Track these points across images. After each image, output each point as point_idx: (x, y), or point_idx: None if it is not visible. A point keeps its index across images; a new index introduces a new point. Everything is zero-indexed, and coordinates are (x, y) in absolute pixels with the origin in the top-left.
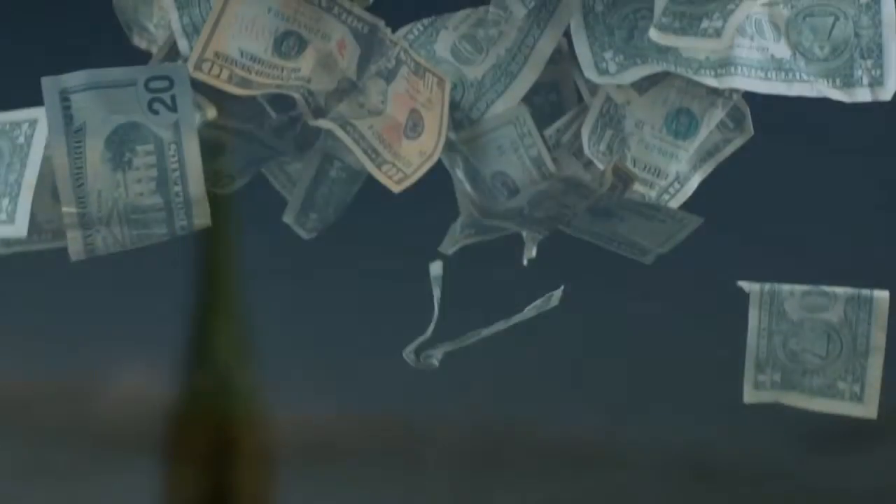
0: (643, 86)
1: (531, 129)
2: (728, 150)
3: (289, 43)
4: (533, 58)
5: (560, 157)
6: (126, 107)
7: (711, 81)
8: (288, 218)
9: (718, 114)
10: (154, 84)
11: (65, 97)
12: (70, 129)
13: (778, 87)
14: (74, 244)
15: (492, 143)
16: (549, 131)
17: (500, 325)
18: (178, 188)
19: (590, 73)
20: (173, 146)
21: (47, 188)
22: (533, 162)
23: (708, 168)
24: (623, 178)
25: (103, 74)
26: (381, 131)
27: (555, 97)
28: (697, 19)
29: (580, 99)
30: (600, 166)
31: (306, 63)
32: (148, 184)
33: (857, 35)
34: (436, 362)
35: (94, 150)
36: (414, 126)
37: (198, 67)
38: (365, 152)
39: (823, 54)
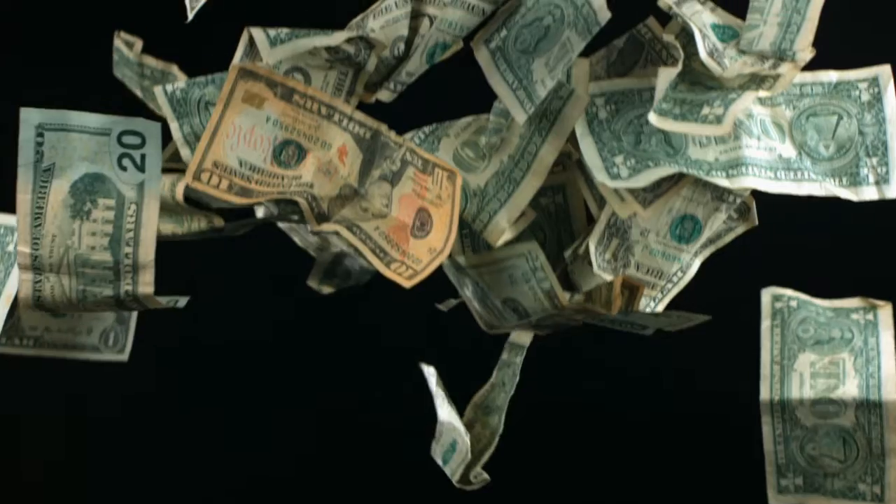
0: (648, 198)
1: (543, 264)
2: (730, 237)
3: (288, 152)
4: (535, 165)
5: (576, 269)
6: (97, 156)
7: (723, 182)
8: (312, 282)
9: (722, 216)
10: (127, 139)
11: (40, 132)
12: (39, 167)
13: (788, 186)
14: (24, 288)
15: (503, 272)
16: (567, 253)
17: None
18: (129, 250)
19: (602, 178)
20: (134, 207)
21: None
22: (545, 294)
23: (708, 252)
24: (631, 287)
25: (81, 118)
26: (388, 232)
27: (561, 199)
28: (698, 106)
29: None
30: (607, 277)
31: (307, 171)
32: (101, 239)
33: (861, 133)
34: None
35: (59, 192)
36: (422, 225)
37: (196, 178)
38: (373, 251)
39: (829, 153)
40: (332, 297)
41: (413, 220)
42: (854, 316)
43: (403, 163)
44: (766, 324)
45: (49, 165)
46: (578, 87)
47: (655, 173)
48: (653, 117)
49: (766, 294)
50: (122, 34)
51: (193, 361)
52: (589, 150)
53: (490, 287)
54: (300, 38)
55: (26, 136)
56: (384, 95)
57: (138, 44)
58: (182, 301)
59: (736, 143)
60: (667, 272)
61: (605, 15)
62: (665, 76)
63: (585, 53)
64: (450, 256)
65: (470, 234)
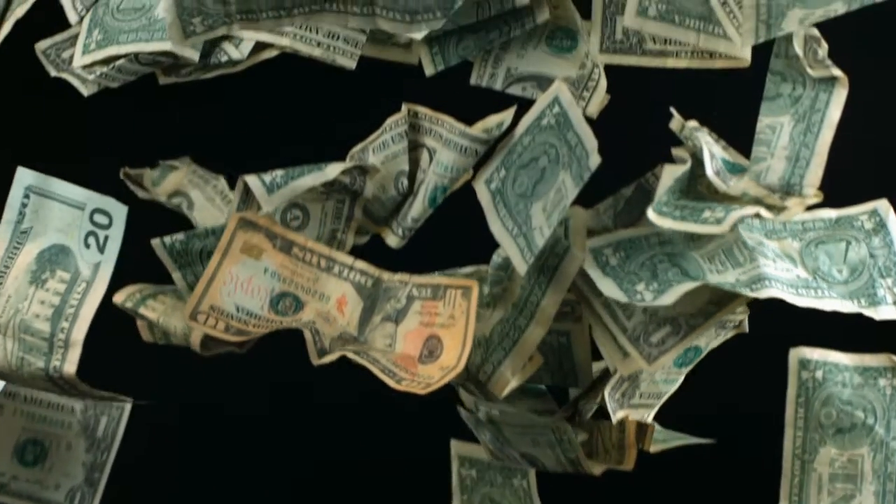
0: (653, 354)
1: (571, 438)
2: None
3: (285, 303)
4: (539, 315)
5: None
6: (68, 228)
7: (748, 293)
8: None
9: (721, 338)
10: (97, 216)
11: (27, 194)
12: (18, 228)
13: (811, 301)
14: None
15: (526, 435)
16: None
17: None
18: (65, 325)
19: (628, 300)
20: (84, 285)
21: None
22: (569, 461)
23: None
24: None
25: (64, 188)
26: (395, 360)
27: (565, 340)
28: (699, 210)
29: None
30: (615, 417)
31: (306, 317)
32: (47, 309)
33: (872, 256)
34: None
35: (27, 256)
36: (430, 353)
37: (193, 318)
38: (382, 371)
39: (843, 277)
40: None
41: (421, 351)
42: (882, 382)
43: (409, 299)
44: (791, 393)
45: (27, 228)
46: (575, 240)
47: (682, 288)
48: (651, 214)
49: (794, 357)
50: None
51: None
52: (608, 287)
53: (510, 441)
54: (296, 178)
55: (15, 194)
56: (393, 241)
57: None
58: (126, 402)
59: (753, 265)
60: (664, 392)
61: (595, 160)
62: (669, 173)
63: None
64: (468, 410)
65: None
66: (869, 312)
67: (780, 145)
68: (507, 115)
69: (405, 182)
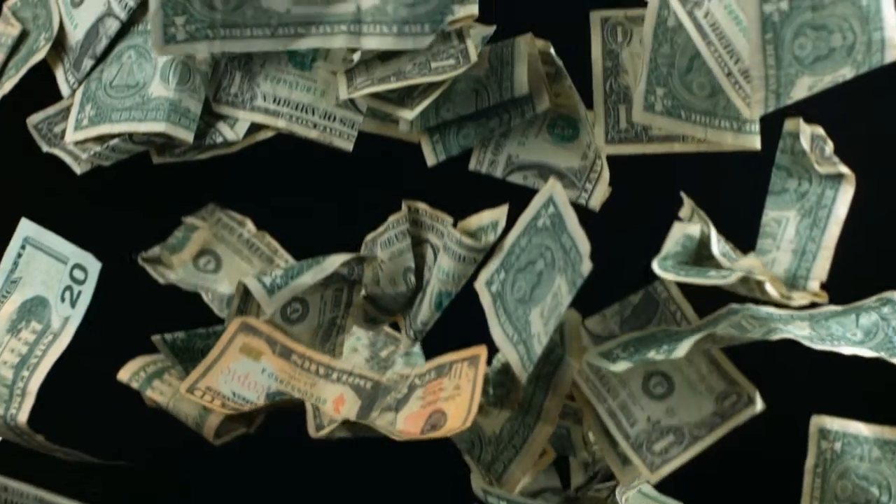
0: (656, 463)
1: None
2: None
3: (282, 397)
4: (544, 415)
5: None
6: (51, 281)
7: (760, 337)
8: None
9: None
10: (76, 272)
11: (23, 245)
12: (10, 276)
13: (827, 346)
14: None
15: None
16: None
17: None
18: (26, 374)
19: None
20: (50, 337)
21: None
22: None
23: None
24: None
25: (54, 242)
26: (397, 431)
27: (565, 431)
28: (704, 270)
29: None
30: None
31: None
32: (14, 357)
33: (884, 319)
34: None
35: (11, 305)
36: (433, 427)
37: (190, 391)
38: (384, 431)
39: (859, 338)
40: None
41: (423, 427)
42: None
43: (411, 388)
44: (809, 463)
45: (17, 278)
46: (571, 347)
47: (693, 339)
48: (655, 267)
49: (815, 426)
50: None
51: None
52: (621, 367)
53: None
54: (295, 278)
55: (14, 245)
56: (405, 343)
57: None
58: (76, 455)
59: (765, 325)
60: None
61: (587, 266)
62: (679, 229)
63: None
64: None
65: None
66: (892, 360)
67: (786, 238)
68: (500, 215)
69: (412, 278)
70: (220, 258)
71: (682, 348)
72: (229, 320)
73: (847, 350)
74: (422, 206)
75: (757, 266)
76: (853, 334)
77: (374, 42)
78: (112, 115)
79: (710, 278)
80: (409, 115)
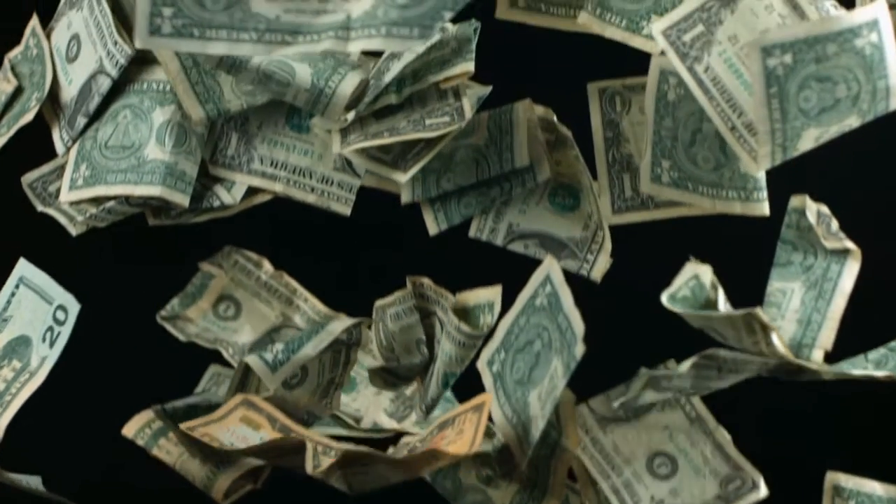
0: None
1: None
2: None
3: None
4: (551, 489)
5: None
6: (35, 320)
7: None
8: None
9: None
10: (58, 313)
11: (17, 285)
12: (3, 314)
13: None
14: None
15: None
16: None
17: None
18: None
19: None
20: (27, 376)
21: None
22: None
23: None
24: None
25: (45, 283)
26: (398, 458)
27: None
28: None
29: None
30: None
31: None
32: None
33: (892, 350)
34: None
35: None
36: (435, 456)
37: (190, 430)
38: (383, 457)
39: (871, 368)
40: None
41: (425, 455)
42: None
43: (412, 450)
44: None
45: (8, 317)
46: (567, 428)
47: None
48: (665, 299)
49: (829, 483)
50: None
51: None
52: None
53: None
54: (296, 351)
55: (9, 283)
56: (416, 415)
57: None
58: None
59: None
60: None
61: (580, 349)
62: (691, 269)
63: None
64: None
65: None
66: None
67: (791, 308)
68: (495, 295)
69: (424, 349)
70: (240, 303)
71: (687, 363)
72: (229, 395)
73: (858, 371)
74: (426, 281)
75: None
76: (864, 366)
77: (360, 45)
78: (107, 176)
79: (718, 314)
80: (402, 177)
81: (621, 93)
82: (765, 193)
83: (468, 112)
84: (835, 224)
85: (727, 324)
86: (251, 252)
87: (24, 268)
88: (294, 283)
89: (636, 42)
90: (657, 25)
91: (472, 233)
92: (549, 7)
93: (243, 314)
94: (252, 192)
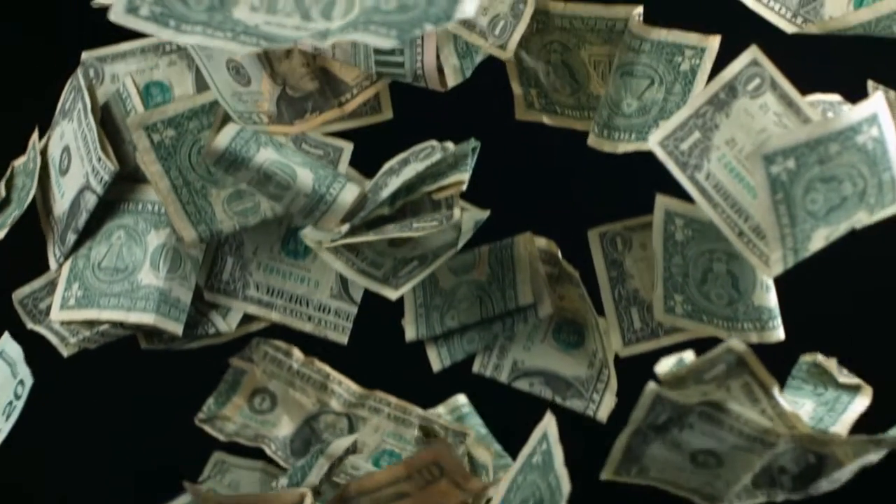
0: None
1: None
2: None
3: None
4: None
5: None
6: (1, 394)
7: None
8: None
9: None
10: (18, 388)
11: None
12: None
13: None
14: None
15: None
16: None
17: None
18: None
19: None
20: None
21: None
22: None
23: None
24: None
25: (17, 357)
26: None
27: None
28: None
29: None
30: None
31: None
32: None
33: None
34: None
35: None
36: None
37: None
38: None
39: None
40: None
41: None
42: None
43: None
44: None
45: None
46: None
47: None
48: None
49: None
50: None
51: None
52: None
53: None
54: (303, 481)
55: None
56: None
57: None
58: None
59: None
60: None
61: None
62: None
63: None
64: None
65: None
66: None
67: (804, 411)
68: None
69: None
70: (275, 394)
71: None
72: None
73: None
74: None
75: None
76: None
77: (335, 38)
78: (100, 300)
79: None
80: (393, 294)
81: (621, 234)
82: (779, 320)
83: (457, 215)
84: (845, 371)
85: (718, 382)
86: (279, 341)
87: (4, 341)
88: (326, 368)
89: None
90: (653, 137)
91: (475, 368)
92: (564, 109)
93: (279, 405)
94: (248, 317)
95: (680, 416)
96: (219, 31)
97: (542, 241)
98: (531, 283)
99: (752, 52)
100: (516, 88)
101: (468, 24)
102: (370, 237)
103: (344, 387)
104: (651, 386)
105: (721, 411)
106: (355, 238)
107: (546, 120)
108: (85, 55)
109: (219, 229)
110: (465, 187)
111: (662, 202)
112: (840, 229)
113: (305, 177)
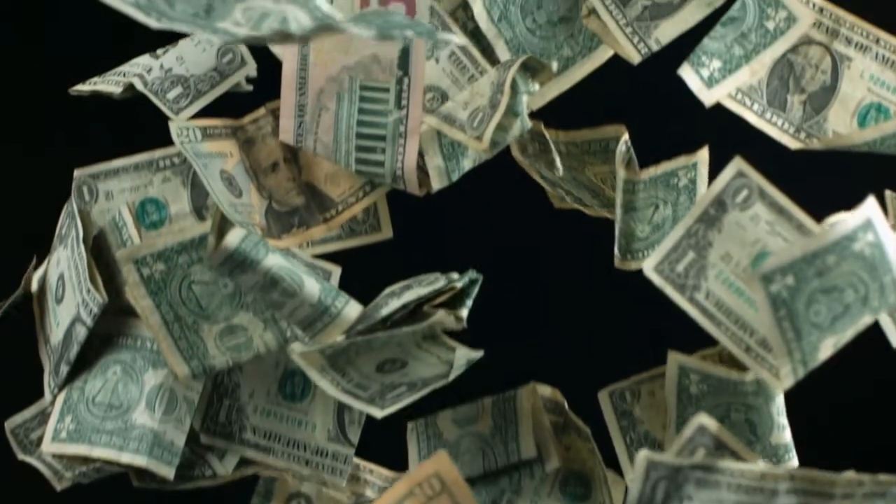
0: None
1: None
2: None
3: None
4: None
5: None
6: None
7: None
8: None
9: None
10: None
11: None
12: None
13: None
14: None
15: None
16: None
17: None
18: None
19: None
20: None
21: None
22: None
23: None
24: None
25: None
26: None
27: None
28: None
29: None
30: None
31: None
32: None
33: None
34: None
35: None
36: None
37: None
38: None
39: None
40: None
41: None
42: None
43: None
44: None
45: None
46: None
47: None
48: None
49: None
50: None
51: None
52: None
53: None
54: None
55: None
56: None
57: None
58: None
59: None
60: None
61: None
62: None
63: None
64: None
65: None
66: None
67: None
68: None
69: None
70: (309, 497)
71: None
72: None
73: None
74: None
75: None
76: None
77: (312, 28)
78: (92, 436)
79: None
80: (378, 413)
81: (630, 388)
82: (794, 453)
83: (452, 356)
84: None
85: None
86: None
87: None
88: (355, 459)
89: None
90: (648, 263)
91: None
92: (593, 204)
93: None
94: (245, 461)
95: (677, 486)
96: (198, 28)
97: (546, 390)
98: (536, 436)
99: (737, 164)
100: (545, 185)
101: (448, 119)
102: (353, 340)
103: (376, 474)
104: (643, 453)
105: (714, 472)
106: (338, 346)
107: (581, 209)
108: (78, 172)
109: (212, 365)
110: (465, 324)
111: (675, 359)
112: (847, 335)
113: (312, 286)
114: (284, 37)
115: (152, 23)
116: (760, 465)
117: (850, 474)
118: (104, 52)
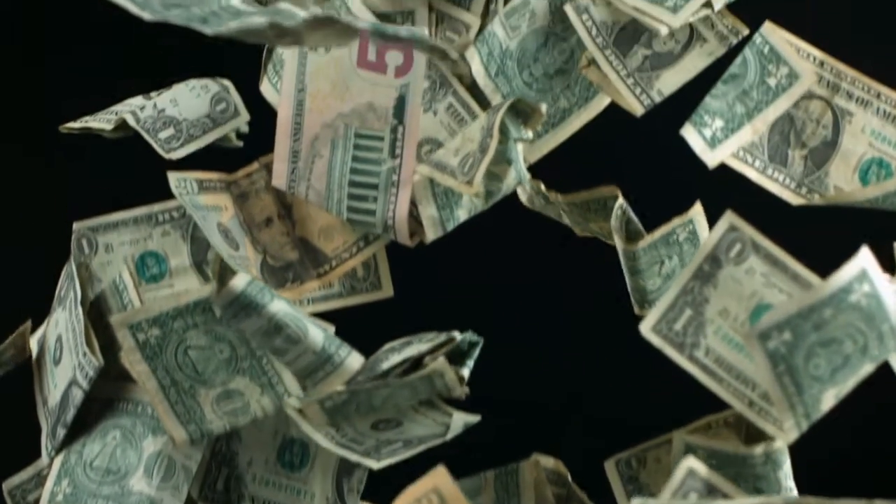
0: None
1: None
2: None
3: None
4: None
5: None
6: None
7: None
8: None
9: None
10: None
11: None
12: None
13: None
14: None
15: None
16: None
17: None
18: None
19: None
20: None
21: None
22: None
23: None
24: None
25: None
26: None
27: None
28: None
29: None
30: None
31: None
32: None
33: None
34: None
35: None
36: None
37: None
38: None
39: None
40: None
41: None
42: None
43: None
44: None
45: None
46: None
47: None
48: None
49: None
50: None
51: None
52: None
53: None
54: None
55: None
56: None
57: None
58: None
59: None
60: None
61: None
62: None
63: None
64: None
65: None
66: None
67: None
68: None
69: None
70: None
71: None
72: None
73: None
74: None
75: None
76: None
77: (307, 16)
78: (88, 500)
79: None
80: (374, 464)
81: (636, 455)
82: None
83: (449, 421)
84: None
85: None
86: None
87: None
88: None
89: None
90: (645, 325)
91: None
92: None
93: None
94: None
95: None
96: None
97: (549, 462)
98: None
99: (729, 219)
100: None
101: (439, 166)
102: (355, 389)
103: None
104: (635, 501)
105: None
106: (337, 399)
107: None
108: (77, 225)
109: (209, 429)
110: (467, 389)
111: (681, 437)
112: (848, 385)
113: (316, 334)
114: (279, 31)
115: (146, 15)
116: (755, 499)
117: (847, 502)
118: (104, 51)
